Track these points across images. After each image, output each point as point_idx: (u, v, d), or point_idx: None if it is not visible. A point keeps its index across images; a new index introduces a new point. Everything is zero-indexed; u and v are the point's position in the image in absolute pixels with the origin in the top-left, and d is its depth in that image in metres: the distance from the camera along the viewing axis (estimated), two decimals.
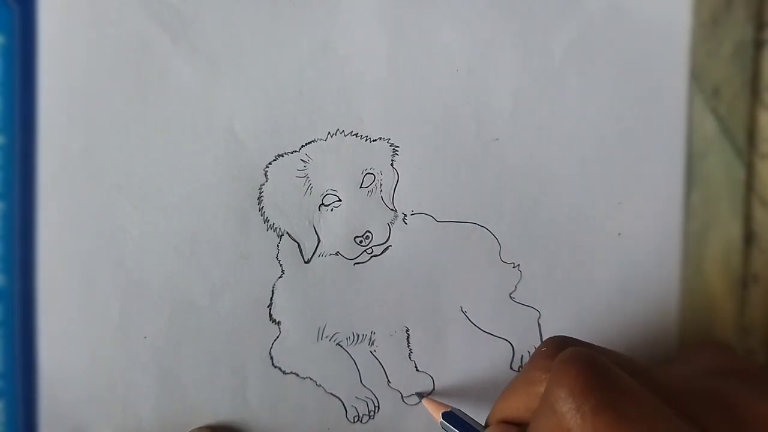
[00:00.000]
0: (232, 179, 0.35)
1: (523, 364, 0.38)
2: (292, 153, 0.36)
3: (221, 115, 0.35)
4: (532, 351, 0.37)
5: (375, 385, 0.37)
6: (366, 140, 0.36)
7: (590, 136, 0.37)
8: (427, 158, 0.36)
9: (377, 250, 0.36)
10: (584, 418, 0.24)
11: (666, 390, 0.27)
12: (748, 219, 0.38)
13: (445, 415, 0.34)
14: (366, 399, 0.37)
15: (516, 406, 0.30)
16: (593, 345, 0.29)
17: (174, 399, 0.36)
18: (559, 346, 0.28)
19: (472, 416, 0.34)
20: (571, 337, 0.30)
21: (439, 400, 0.36)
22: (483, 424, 0.32)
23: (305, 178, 0.36)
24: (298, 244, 0.36)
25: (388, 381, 0.37)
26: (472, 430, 0.33)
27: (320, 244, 0.36)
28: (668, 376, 0.28)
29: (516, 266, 0.37)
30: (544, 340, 0.29)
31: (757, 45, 0.37)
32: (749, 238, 0.38)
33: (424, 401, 0.36)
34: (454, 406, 0.34)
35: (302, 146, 0.36)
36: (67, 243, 0.35)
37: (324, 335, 0.37)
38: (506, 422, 0.30)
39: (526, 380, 0.29)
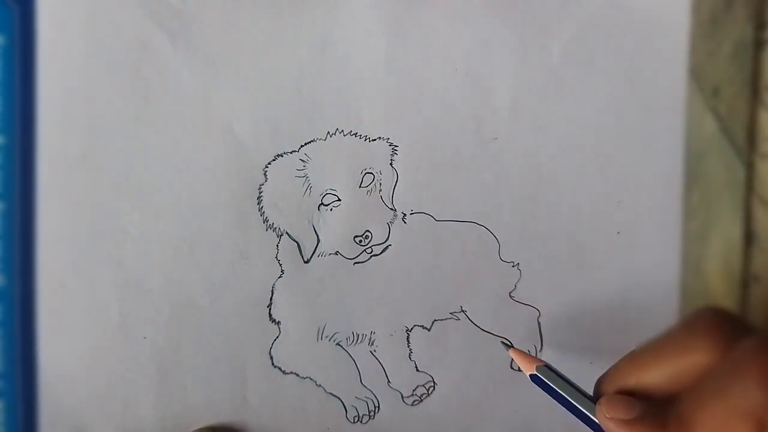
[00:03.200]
0: (232, 179, 0.35)
1: None
2: (291, 153, 0.36)
3: (220, 116, 0.35)
4: (532, 350, 0.37)
5: (375, 385, 0.37)
6: (365, 140, 0.36)
7: (589, 135, 0.37)
8: (426, 157, 0.36)
9: (377, 250, 0.36)
10: None
11: None
12: (748, 219, 0.38)
13: (539, 369, 0.32)
14: (366, 399, 0.37)
15: (653, 375, 0.27)
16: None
17: (174, 399, 0.36)
18: (724, 319, 0.26)
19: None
20: (730, 311, 0.28)
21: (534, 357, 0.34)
22: (591, 393, 0.30)
23: (305, 178, 0.36)
24: (298, 244, 0.36)
25: (388, 381, 0.37)
26: (572, 391, 0.31)
27: (320, 243, 0.36)
28: None
29: (515, 265, 0.37)
30: (696, 309, 0.27)
31: (757, 45, 0.37)
32: (749, 238, 0.38)
33: (511, 351, 0.34)
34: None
35: (301, 146, 0.36)
36: (67, 243, 0.35)
37: (324, 335, 0.37)
38: (624, 392, 0.28)
39: (680, 347, 0.27)
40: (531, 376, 0.32)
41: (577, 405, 0.30)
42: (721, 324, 0.26)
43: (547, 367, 0.32)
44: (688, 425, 0.25)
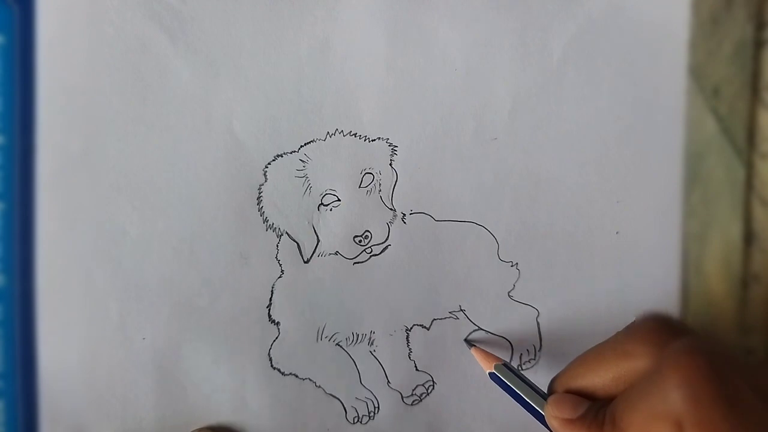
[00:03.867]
0: (232, 179, 0.35)
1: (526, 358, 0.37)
2: (291, 153, 0.36)
3: (220, 116, 0.35)
4: (531, 349, 0.37)
5: (375, 385, 0.37)
6: (365, 140, 0.36)
7: (589, 135, 0.37)
8: (425, 158, 0.36)
9: (376, 250, 0.36)
10: (700, 408, 0.24)
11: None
12: (748, 219, 0.38)
13: (497, 368, 0.34)
14: (366, 399, 0.37)
15: (598, 377, 0.29)
16: (706, 337, 0.29)
17: (174, 399, 0.36)
18: (663, 325, 0.28)
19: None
20: (673, 318, 0.29)
21: (490, 352, 0.35)
22: (545, 391, 0.31)
23: (304, 178, 0.36)
24: (298, 244, 0.36)
25: (388, 381, 0.37)
26: (527, 390, 0.32)
27: (319, 243, 0.36)
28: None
29: (514, 265, 0.37)
30: (641, 315, 0.29)
31: (757, 45, 0.37)
32: (749, 238, 0.38)
33: (474, 351, 0.36)
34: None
35: (301, 146, 0.36)
36: (67, 243, 0.35)
37: (323, 335, 0.37)
38: (573, 392, 0.30)
39: (620, 351, 0.28)
40: (490, 374, 0.34)
41: (531, 403, 0.32)
42: (660, 330, 0.28)
43: (506, 366, 0.34)
44: (619, 425, 0.27)
